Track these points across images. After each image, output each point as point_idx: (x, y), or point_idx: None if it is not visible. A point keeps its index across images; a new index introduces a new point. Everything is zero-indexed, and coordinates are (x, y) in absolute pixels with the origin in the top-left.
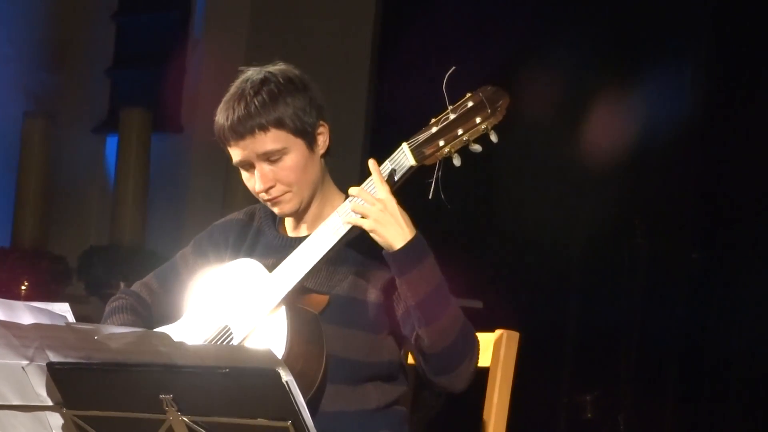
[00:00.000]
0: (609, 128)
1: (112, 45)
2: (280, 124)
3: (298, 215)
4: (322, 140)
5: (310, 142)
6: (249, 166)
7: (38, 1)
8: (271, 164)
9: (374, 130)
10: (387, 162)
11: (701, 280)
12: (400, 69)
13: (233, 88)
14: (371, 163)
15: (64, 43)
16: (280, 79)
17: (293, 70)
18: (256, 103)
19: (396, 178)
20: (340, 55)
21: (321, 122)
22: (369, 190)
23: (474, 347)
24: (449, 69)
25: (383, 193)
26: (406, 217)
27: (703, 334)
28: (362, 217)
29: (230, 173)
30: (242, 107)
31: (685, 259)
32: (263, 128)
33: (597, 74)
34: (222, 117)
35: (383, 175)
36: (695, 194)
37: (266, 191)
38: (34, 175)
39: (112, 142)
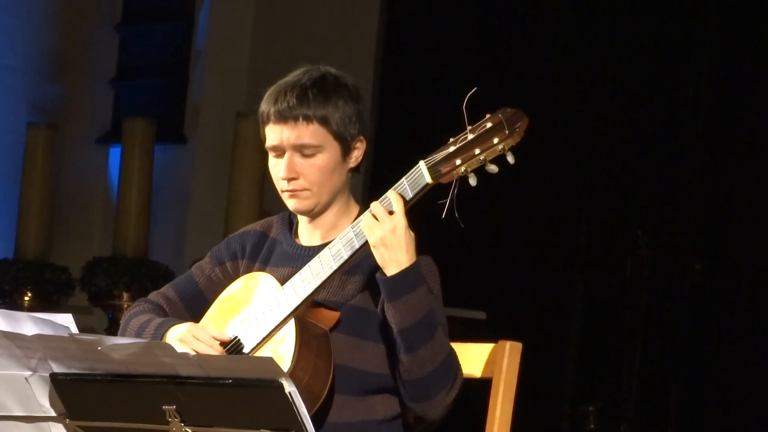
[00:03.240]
0: (611, 140)
1: (116, 56)
2: (324, 122)
3: (313, 218)
4: (356, 155)
5: (346, 150)
6: (280, 152)
7: (41, 12)
8: (303, 158)
9: (377, 145)
10: (403, 179)
11: (704, 291)
12: (403, 85)
13: (289, 76)
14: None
15: (68, 54)
16: (339, 82)
17: (352, 79)
18: (310, 94)
19: (411, 196)
20: (344, 68)
21: (361, 137)
22: (385, 205)
23: (454, 381)
24: (452, 86)
25: (398, 213)
26: (412, 245)
27: (706, 344)
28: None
29: (233, 184)
30: (295, 95)
31: (688, 270)
32: (308, 119)
33: (599, 85)
34: (271, 99)
35: (399, 191)
36: (698, 205)
37: (288, 181)
38: (38, 185)
39: (115, 153)
